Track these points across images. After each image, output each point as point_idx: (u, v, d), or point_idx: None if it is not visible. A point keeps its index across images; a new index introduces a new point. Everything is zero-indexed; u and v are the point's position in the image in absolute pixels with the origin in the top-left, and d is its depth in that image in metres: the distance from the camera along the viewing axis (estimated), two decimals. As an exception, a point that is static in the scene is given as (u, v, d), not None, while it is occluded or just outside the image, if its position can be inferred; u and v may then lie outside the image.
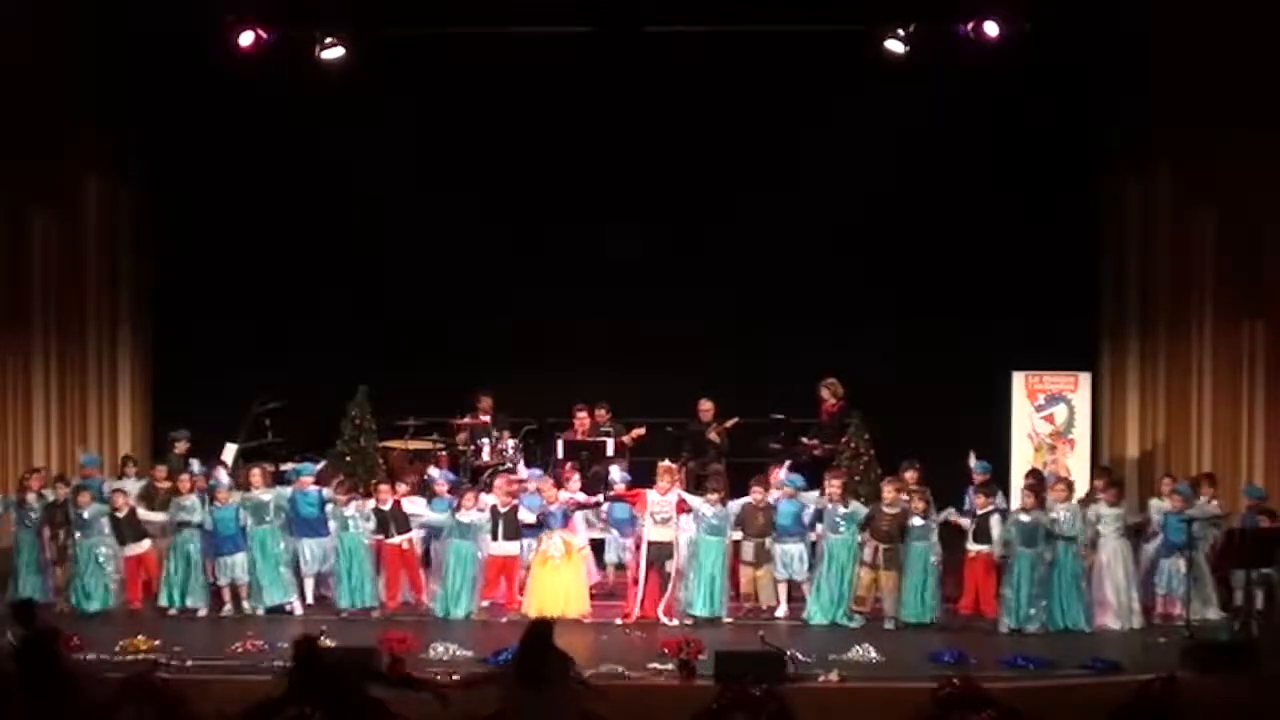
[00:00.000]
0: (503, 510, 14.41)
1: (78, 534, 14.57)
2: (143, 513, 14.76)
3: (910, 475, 14.62)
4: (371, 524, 14.51)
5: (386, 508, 14.50)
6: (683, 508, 14.31)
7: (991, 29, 16.16)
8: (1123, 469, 16.92)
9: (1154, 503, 14.83)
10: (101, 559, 14.49)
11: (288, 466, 15.53)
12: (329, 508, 14.57)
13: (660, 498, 14.28)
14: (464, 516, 14.35)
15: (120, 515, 14.59)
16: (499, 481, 14.88)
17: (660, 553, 14.16)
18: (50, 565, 14.78)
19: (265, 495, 14.59)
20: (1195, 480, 15.00)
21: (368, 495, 14.75)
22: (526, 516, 14.51)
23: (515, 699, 9.51)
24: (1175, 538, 14.23)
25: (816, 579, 14.26)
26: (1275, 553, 13.56)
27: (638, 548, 14.27)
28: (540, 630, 9.78)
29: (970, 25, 16.22)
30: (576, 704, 9.73)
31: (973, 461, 14.91)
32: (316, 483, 14.79)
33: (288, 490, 14.73)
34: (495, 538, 14.37)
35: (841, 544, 14.19)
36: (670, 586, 14.17)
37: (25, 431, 17.01)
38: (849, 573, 14.13)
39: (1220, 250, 16.42)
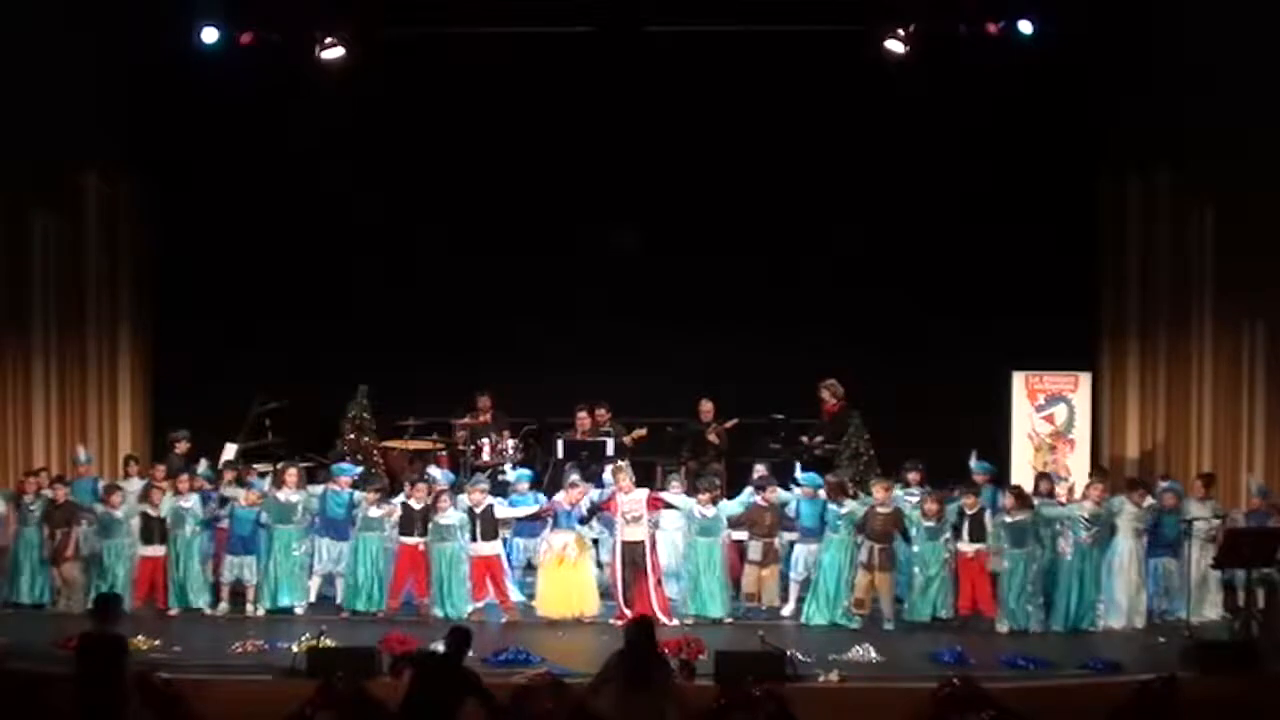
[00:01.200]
0: (478, 511, 14.39)
1: (93, 533, 14.49)
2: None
3: (914, 476, 14.66)
4: (396, 525, 14.44)
5: (418, 507, 14.45)
6: (655, 504, 14.30)
7: (992, 28, 16.18)
8: (1123, 469, 16.93)
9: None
10: (128, 560, 14.46)
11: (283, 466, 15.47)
12: (358, 510, 14.54)
13: (626, 497, 14.27)
14: (441, 519, 14.33)
15: (154, 514, 14.54)
16: (469, 484, 14.87)
17: (633, 552, 14.16)
18: (52, 564, 14.78)
19: (295, 496, 14.57)
20: (1206, 479, 14.98)
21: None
22: (504, 510, 14.49)
23: (624, 702, 9.55)
24: (1169, 536, 14.26)
25: (814, 579, 14.26)
26: (1275, 552, 13.54)
27: (613, 550, 14.30)
28: (644, 631, 9.81)
29: (970, 25, 16.25)
30: (679, 705, 9.80)
31: (973, 462, 14.91)
32: (352, 485, 14.76)
33: (319, 489, 14.71)
34: (474, 538, 14.36)
35: (839, 543, 14.19)
36: (654, 583, 14.16)
37: (25, 431, 17.03)
38: (846, 572, 14.13)
39: (1220, 250, 16.42)
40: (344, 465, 15.15)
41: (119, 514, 14.49)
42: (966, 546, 14.08)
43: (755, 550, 14.43)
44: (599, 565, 15.14)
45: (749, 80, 17.11)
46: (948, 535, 14.14)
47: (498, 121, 17.54)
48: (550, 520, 14.56)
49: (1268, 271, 15.78)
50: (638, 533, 14.19)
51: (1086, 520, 14.00)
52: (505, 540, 14.75)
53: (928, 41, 16.36)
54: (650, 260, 17.99)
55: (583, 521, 14.59)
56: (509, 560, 14.82)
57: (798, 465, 15.19)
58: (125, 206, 18.07)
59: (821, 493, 14.46)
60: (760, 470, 15.05)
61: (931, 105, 16.93)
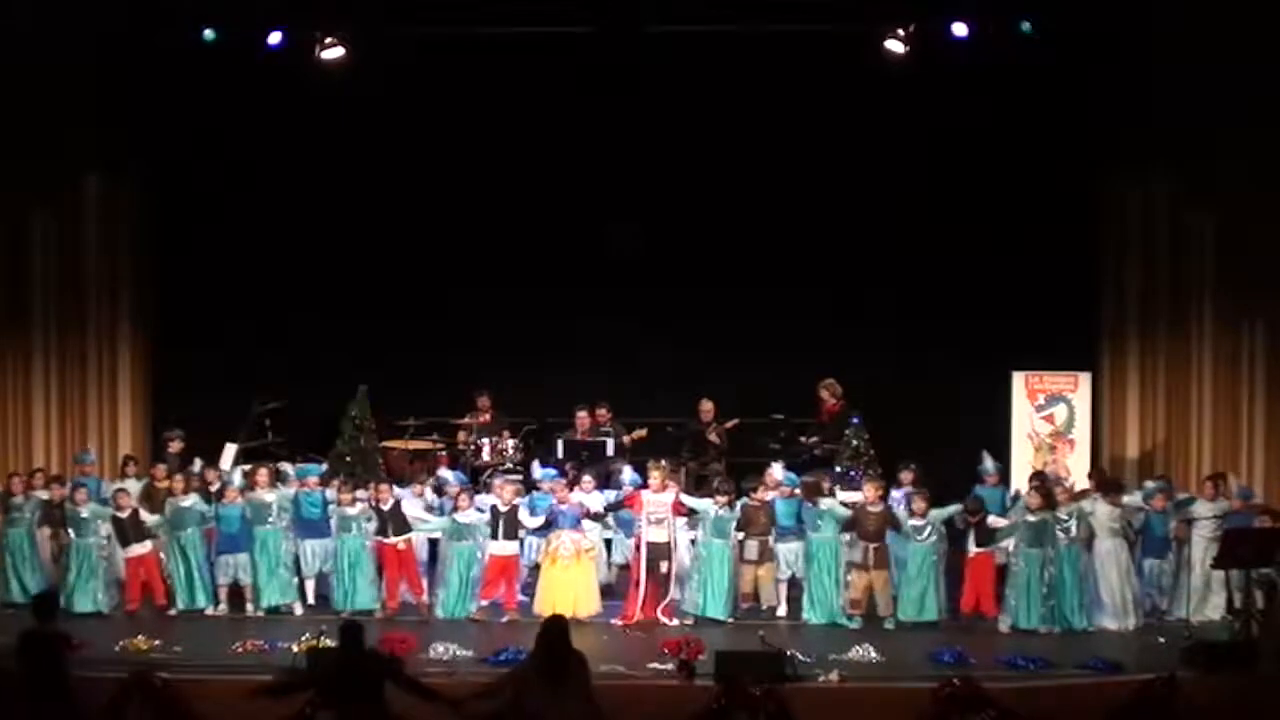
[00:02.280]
0: (503, 510, 14.39)
1: (73, 533, 14.53)
2: (142, 514, 14.73)
3: (906, 476, 14.66)
4: (373, 525, 14.50)
5: (386, 508, 14.48)
6: (679, 509, 14.28)
7: (992, 28, 16.22)
8: (1123, 469, 16.93)
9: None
10: (95, 559, 14.46)
11: (285, 466, 15.49)
12: (331, 508, 14.56)
13: (654, 497, 14.25)
14: (461, 517, 14.35)
15: (123, 515, 14.57)
16: (498, 481, 14.90)
17: (656, 553, 14.13)
18: (51, 565, 14.76)
19: (269, 496, 14.57)
20: (1216, 479, 14.98)
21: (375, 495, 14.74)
22: (527, 518, 14.49)
23: (536, 695, 9.55)
24: (1158, 536, 14.34)
25: (805, 579, 14.26)
26: (1275, 553, 13.55)
27: (637, 549, 14.27)
28: (557, 627, 9.83)
29: (971, 25, 16.27)
30: (594, 700, 9.80)
31: (988, 463, 14.95)
32: (321, 484, 14.79)
33: (290, 491, 14.72)
34: (496, 537, 14.35)
35: (821, 543, 14.19)
36: (668, 586, 14.15)
37: (25, 431, 17.03)
38: (834, 571, 14.13)
39: (1220, 250, 16.44)
40: (307, 466, 15.18)
41: (84, 512, 14.50)
42: (973, 548, 14.09)
43: (751, 550, 14.41)
44: (608, 565, 15.14)
45: (749, 81, 17.10)
46: (935, 536, 14.15)
47: (497, 122, 17.53)
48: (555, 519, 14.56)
49: (1268, 271, 15.80)
50: (660, 534, 14.17)
51: (1061, 520, 14.03)
52: (522, 540, 14.74)
53: (927, 42, 16.37)
54: (650, 260, 17.98)
55: (598, 517, 14.60)
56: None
57: (774, 465, 15.13)
58: (125, 206, 18.06)
59: (798, 491, 14.48)
60: (782, 470, 15.04)
61: (931, 105, 16.93)
